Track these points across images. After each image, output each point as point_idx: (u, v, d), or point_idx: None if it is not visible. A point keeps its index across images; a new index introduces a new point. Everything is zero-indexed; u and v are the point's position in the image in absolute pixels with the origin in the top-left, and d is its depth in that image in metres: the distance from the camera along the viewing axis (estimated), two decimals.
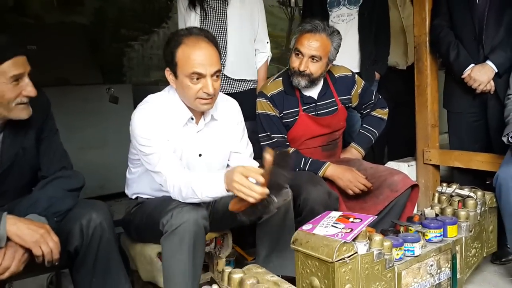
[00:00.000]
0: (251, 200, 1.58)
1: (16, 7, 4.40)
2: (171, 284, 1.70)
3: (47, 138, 1.72)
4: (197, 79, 1.81)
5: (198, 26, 2.57)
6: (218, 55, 1.86)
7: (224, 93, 2.20)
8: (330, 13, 2.93)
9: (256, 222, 2.01)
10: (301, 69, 2.26)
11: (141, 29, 5.05)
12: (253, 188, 1.57)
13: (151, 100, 1.94)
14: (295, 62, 2.30)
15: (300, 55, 2.28)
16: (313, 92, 2.38)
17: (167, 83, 1.97)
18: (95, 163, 3.71)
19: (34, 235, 1.44)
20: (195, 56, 1.79)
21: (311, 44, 2.25)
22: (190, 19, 2.61)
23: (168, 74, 1.89)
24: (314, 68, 2.27)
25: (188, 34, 1.85)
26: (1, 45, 1.49)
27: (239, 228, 2.25)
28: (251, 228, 2.36)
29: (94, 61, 4.43)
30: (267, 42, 2.79)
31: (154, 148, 1.82)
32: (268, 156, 1.62)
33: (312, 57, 2.26)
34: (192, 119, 1.93)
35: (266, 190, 1.58)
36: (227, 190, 1.66)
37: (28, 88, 1.53)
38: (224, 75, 2.60)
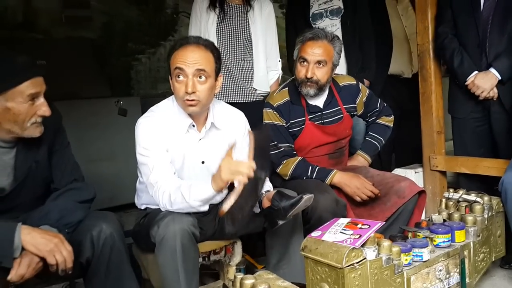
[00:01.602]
0: (242, 176, 1.61)
1: (25, 23, 4.48)
2: None
3: (59, 151, 1.77)
4: (179, 76, 1.86)
5: (215, 28, 2.63)
6: (207, 57, 1.88)
7: (230, 102, 2.24)
8: (313, 25, 2.96)
9: (265, 230, 2.03)
10: (308, 76, 2.29)
11: (148, 43, 5.11)
12: (240, 164, 1.63)
13: (155, 109, 2.00)
14: (301, 71, 2.33)
15: (305, 63, 2.31)
16: (319, 101, 2.41)
17: (169, 97, 2.04)
18: (104, 175, 3.75)
19: (49, 244, 1.48)
20: (179, 54, 1.86)
21: (315, 50, 2.29)
22: (208, 21, 2.65)
23: (170, 83, 1.94)
24: (321, 74, 2.30)
25: (182, 41, 1.92)
26: (21, 66, 1.54)
27: (248, 237, 2.28)
28: (260, 237, 2.39)
29: (102, 74, 4.50)
30: (279, 61, 2.85)
31: (150, 159, 1.87)
32: (251, 136, 1.70)
33: (318, 63, 2.29)
34: (194, 126, 1.97)
35: (253, 163, 1.63)
36: (216, 190, 1.71)
37: (43, 108, 1.58)
38: (252, 88, 2.70)
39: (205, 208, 1.80)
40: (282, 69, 2.94)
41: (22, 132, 1.59)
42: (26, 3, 4.47)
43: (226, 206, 1.65)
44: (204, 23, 2.67)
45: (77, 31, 4.67)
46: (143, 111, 4.01)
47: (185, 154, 1.96)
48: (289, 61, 3.08)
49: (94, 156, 3.79)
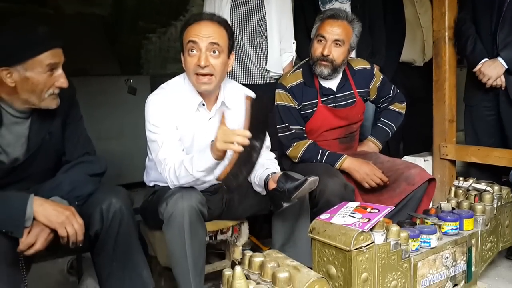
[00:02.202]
0: (237, 145, 1.62)
1: None
2: (177, 268, 1.76)
3: (72, 124, 1.77)
4: (192, 50, 1.85)
5: (229, 8, 2.61)
6: (221, 32, 1.88)
7: (244, 83, 2.23)
8: (322, 9, 2.92)
9: (271, 212, 2.03)
10: (325, 53, 2.27)
11: (159, 22, 5.10)
12: (236, 132, 1.63)
13: (165, 86, 1.99)
14: (318, 48, 2.30)
15: (323, 41, 2.29)
16: (332, 84, 2.40)
17: (180, 75, 2.02)
18: (112, 153, 3.76)
19: (60, 216, 1.49)
20: (193, 28, 1.86)
21: (334, 29, 2.27)
22: (222, 1, 2.63)
23: (182, 59, 1.93)
24: (337, 53, 2.28)
25: (196, 17, 1.91)
26: (42, 36, 1.53)
27: (254, 219, 2.28)
28: (266, 219, 2.40)
29: (113, 52, 4.50)
30: (293, 42, 2.83)
31: (159, 136, 1.87)
32: (248, 102, 1.68)
33: (336, 42, 2.27)
34: (204, 105, 1.96)
35: (248, 132, 1.63)
36: (216, 159, 1.71)
37: (61, 79, 1.58)
38: (265, 69, 2.70)
39: (211, 177, 1.79)
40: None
41: (39, 103, 1.59)
42: None
43: (221, 174, 1.66)
44: (219, 2, 2.65)
45: (88, 8, 4.66)
46: (153, 90, 4.03)
47: (195, 132, 1.95)
48: (297, 46, 3.06)
49: (103, 134, 3.79)
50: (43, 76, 1.54)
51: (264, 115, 1.72)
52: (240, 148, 1.63)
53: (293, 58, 2.84)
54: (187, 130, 1.93)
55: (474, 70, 2.50)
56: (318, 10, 2.90)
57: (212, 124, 1.98)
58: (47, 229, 1.49)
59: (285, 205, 1.89)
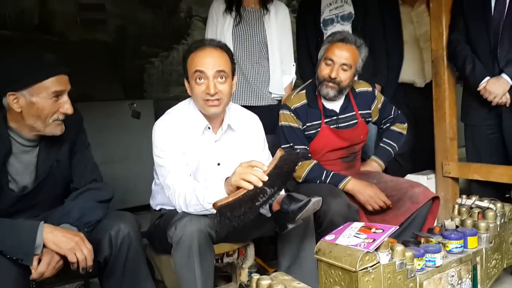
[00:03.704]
0: (250, 184, 1.62)
1: (41, 25, 4.55)
2: None
3: (79, 152, 1.81)
4: (200, 79, 1.89)
5: (231, 32, 2.67)
6: (224, 58, 1.93)
7: (245, 106, 2.27)
8: (324, 31, 2.98)
9: (276, 234, 2.04)
10: (332, 76, 2.31)
11: (161, 46, 5.16)
12: (254, 172, 1.64)
13: (171, 111, 2.03)
14: (325, 70, 2.34)
15: (330, 63, 2.33)
16: (335, 106, 2.44)
17: (186, 99, 2.07)
18: (117, 177, 3.78)
19: (70, 242, 1.51)
20: (198, 57, 1.90)
21: (343, 53, 2.31)
22: (224, 25, 2.69)
23: (186, 85, 1.98)
24: (344, 76, 2.32)
25: (197, 44, 1.96)
26: (49, 62, 1.59)
27: (259, 240, 2.29)
28: (272, 241, 2.41)
29: (116, 77, 4.54)
30: (293, 65, 2.88)
31: (167, 161, 1.90)
32: (279, 153, 1.72)
33: (343, 65, 2.31)
34: (209, 128, 1.99)
35: (266, 177, 1.64)
36: (228, 194, 1.71)
37: (66, 106, 1.63)
38: (268, 91, 2.75)
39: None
40: (297, 74, 2.96)
41: (44, 129, 1.63)
42: (42, 6, 4.54)
43: (219, 201, 1.64)
44: (220, 27, 2.71)
45: (92, 34, 4.73)
46: (156, 114, 4.07)
47: (200, 156, 1.98)
48: (299, 68, 3.11)
49: (107, 158, 3.81)
50: (48, 101, 1.59)
51: (289, 170, 1.74)
52: (250, 187, 1.64)
53: (292, 80, 2.88)
54: (193, 154, 1.96)
55: (479, 89, 2.50)
56: (320, 32, 2.96)
57: (218, 147, 2.02)
58: (57, 256, 1.51)
59: (290, 226, 1.90)
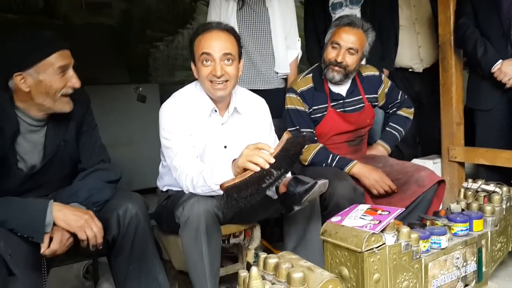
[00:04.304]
0: (257, 166, 1.64)
1: (45, 9, 4.54)
2: (193, 272, 1.79)
3: (87, 132, 1.82)
4: (207, 61, 1.90)
5: (235, 16, 2.67)
6: (231, 41, 1.93)
7: (252, 89, 2.27)
8: (333, 15, 2.96)
9: (282, 216, 2.06)
10: (338, 60, 2.31)
11: (166, 30, 5.15)
12: (261, 154, 1.65)
13: (178, 94, 2.03)
14: (331, 53, 2.34)
15: (337, 47, 2.32)
16: (342, 89, 2.43)
17: (192, 83, 2.07)
18: (123, 160, 3.79)
19: (79, 220, 1.53)
20: (205, 39, 1.91)
21: (349, 37, 2.31)
22: (228, 10, 2.68)
23: (193, 68, 1.98)
24: (350, 61, 2.32)
25: (204, 26, 1.96)
26: (49, 39, 1.60)
27: (265, 222, 2.31)
28: (277, 223, 2.43)
29: (121, 61, 4.53)
30: (298, 40, 2.87)
31: (174, 142, 1.91)
32: (285, 136, 1.73)
33: (350, 49, 2.31)
34: (216, 111, 2.00)
35: (272, 159, 1.66)
36: (234, 175, 1.72)
37: (73, 80, 1.64)
38: (274, 72, 2.74)
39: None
40: (303, 59, 2.95)
41: (53, 105, 1.64)
42: None
43: (226, 183, 1.65)
44: (224, 12, 2.70)
45: (96, 18, 4.72)
46: (161, 97, 4.07)
47: (207, 138, 1.99)
48: (307, 51, 3.09)
49: (113, 141, 3.80)
50: (55, 77, 1.60)
51: (295, 153, 1.75)
52: (257, 169, 1.65)
53: (298, 55, 2.87)
54: (199, 136, 1.97)
55: (493, 71, 2.49)
56: (328, 16, 2.95)
57: (225, 130, 2.02)
58: (67, 233, 1.53)
59: (296, 208, 1.92)
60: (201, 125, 1.98)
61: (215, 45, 1.89)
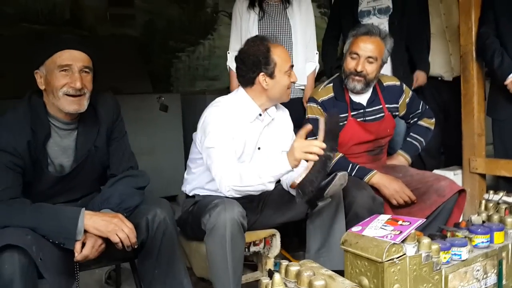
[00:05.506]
0: (313, 154, 1.77)
1: (71, 20, 4.68)
2: (216, 279, 1.83)
3: (117, 139, 1.88)
4: (287, 71, 2.07)
5: (256, 26, 2.74)
6: None
7: None
8: (361, 23, 2.97)
9: (311, 210, 2.11)
10: (358, 69, 2.33)
11: (188, 41, 5.24)
12: (312, 143, 1.78)
13: (221, 100, 2.13)
14: (350, 63, 2.36)
15: (356, 57, 2.35)
16: (362, 99, 2.45)
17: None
18: (145, 168, 3.80)
19: (109, 225, 1.58)
20: (285, 54, 2.09)
21: (367, 46, 2.33)
22: (249, 21, 2.75)
23: (262, 78, 2.05)
24: (370, 69, 2.34)
25: (265, 39, 2.10)
26: (61, 39, 1.69)
27: (284, 232, 2.33)
28: (296, 232, 2.44)
29: (144, 71, 4.63)
30: (316, 53, 2.91)
31: (218, 143, 1.96)
32: (322, 119, 1.88)
33: (369, 58, 2.33)
34: (260, 115, 2.11)
35: (323, 144, 1.78)
36: (292, 167, 1.82)
37: (74, 80, 1.65)
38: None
39: (272, 186, 1.89)
40: (321, 68, 2.98)
41: (57, 102, 1.67)
42: (73, 1, 4.66)
43: (298, 180, 1.85)
44: (245, 23, 2.76)
45: (121, 29, 4.84)
46: (183, 107, 4.12)
47: (246, 140, 2.08)
48: (323, 60, 3.13)
49: (135, 150, 3.83)
50: (56, 75, 1.65)
51: (336, 129, 1.91)
52: (316, 158, 1.78)
53: (316, 68, 2.90)
54: (240, 139, 2.05)
55: (506, 83, 2.49)
56: (357, 22, 2.98)
57: (262, 133, 2.13)
58: (99, 239, 1.58)
59: (320, 204, 1.98)
60: (243, 129, 2.06)
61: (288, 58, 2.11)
